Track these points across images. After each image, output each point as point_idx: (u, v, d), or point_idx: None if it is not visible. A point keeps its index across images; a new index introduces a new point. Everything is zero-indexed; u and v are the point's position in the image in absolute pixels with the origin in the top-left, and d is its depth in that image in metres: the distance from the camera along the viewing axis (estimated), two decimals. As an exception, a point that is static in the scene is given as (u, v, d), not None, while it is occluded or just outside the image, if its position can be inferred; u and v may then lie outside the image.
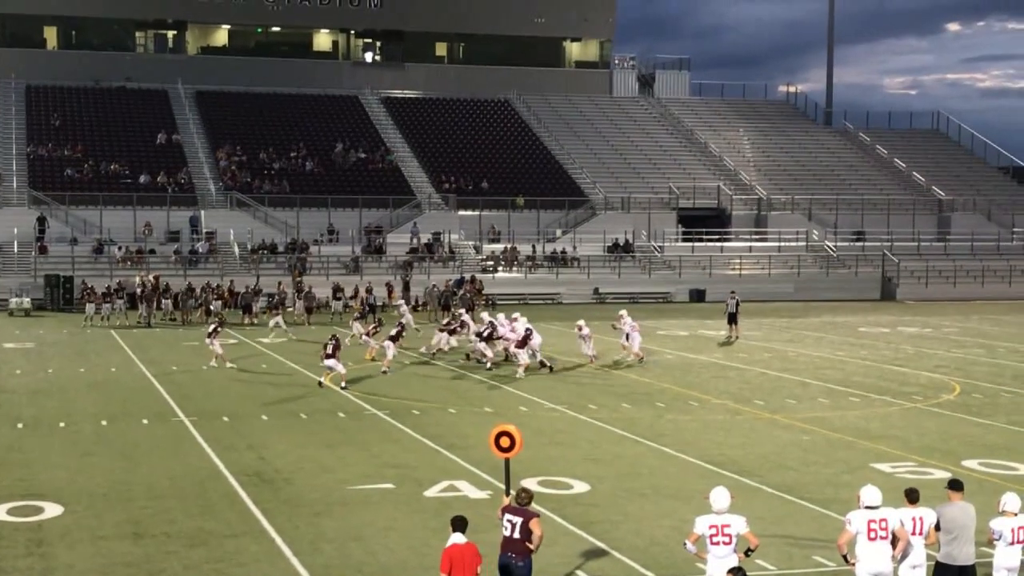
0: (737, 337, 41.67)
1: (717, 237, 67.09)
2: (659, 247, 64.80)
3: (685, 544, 12.36)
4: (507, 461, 13.47)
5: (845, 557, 12.32)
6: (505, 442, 13.26)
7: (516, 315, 35.58)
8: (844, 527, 12.35)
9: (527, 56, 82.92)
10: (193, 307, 47.99)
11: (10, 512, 17.30)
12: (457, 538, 11.67)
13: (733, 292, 43.86)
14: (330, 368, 29.61)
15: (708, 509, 12.26)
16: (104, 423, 24.52)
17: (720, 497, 12.22)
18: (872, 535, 12.06)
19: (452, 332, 36.52)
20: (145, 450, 21.91)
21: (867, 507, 12.16)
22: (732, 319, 42.25)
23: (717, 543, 12.04)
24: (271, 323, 42.45)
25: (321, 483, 19.26)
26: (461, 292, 51.85)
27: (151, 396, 28.42)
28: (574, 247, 62.82)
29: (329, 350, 29.36)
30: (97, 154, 64.84)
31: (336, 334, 31.16)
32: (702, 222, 68.25)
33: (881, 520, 12.11)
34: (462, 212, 64.65)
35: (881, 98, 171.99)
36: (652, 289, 61.59)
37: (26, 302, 50.18)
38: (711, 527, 12.07)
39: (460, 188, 66.91)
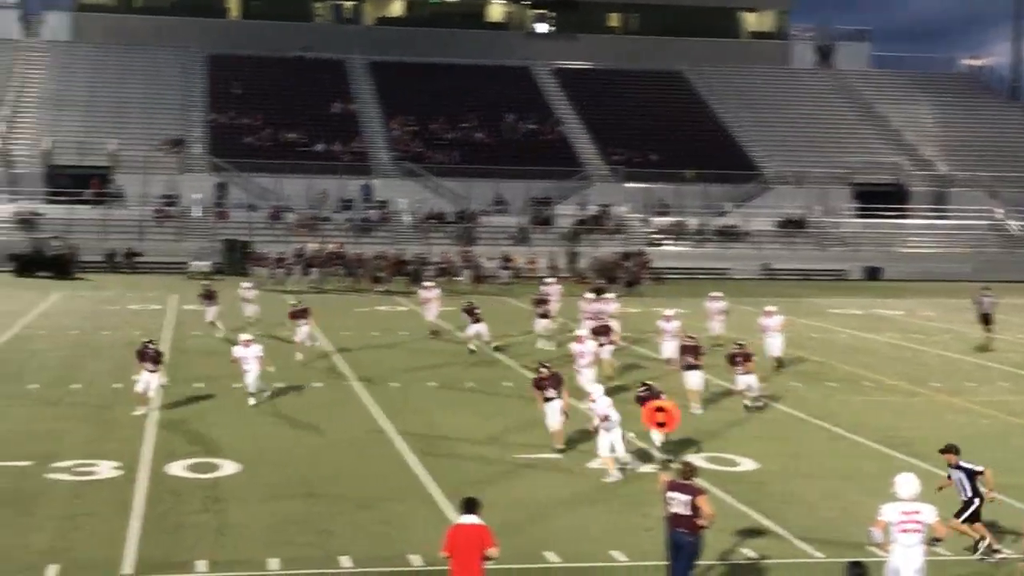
0: (991, 338, 35.01)
1: (895, 214, 65.21)
2: (834, 223, 63.30)
3: (870, 532, 11.97)
4: (657, 434, 13.22)
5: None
6: (661, 417, 13.10)
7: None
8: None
9: (701, 27, 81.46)
10: (362, 275, 48.91)
11: (188, 468, 17.89)
12: (466, 519, 11.38)
13: (988, 287, 37.19)
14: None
15: (878, 491, 11.89)
16: (279, 384, 25.11)
17: (908, 484, 11.91)
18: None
19: (544, 315, 31.92)
20: (318, 412, 22.39)
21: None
22: (986, 319, 35.52)
23: (907, 531, 11.70)
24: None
25: (487, 451, 19.40)
26: (628, 264, 51.58)
27: (322, 359, 29.01)
28: (745, 221, 61.82)
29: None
30: (275, 122, 66.39)
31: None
32: (879, 198, 66.37)
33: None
34: (630, 184, 64.25)
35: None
36: (825, 266, 60.23)
37: (205, 265, 51.91)
38: (902, 513, 11.74)
39: (629, 160, 66.48)
